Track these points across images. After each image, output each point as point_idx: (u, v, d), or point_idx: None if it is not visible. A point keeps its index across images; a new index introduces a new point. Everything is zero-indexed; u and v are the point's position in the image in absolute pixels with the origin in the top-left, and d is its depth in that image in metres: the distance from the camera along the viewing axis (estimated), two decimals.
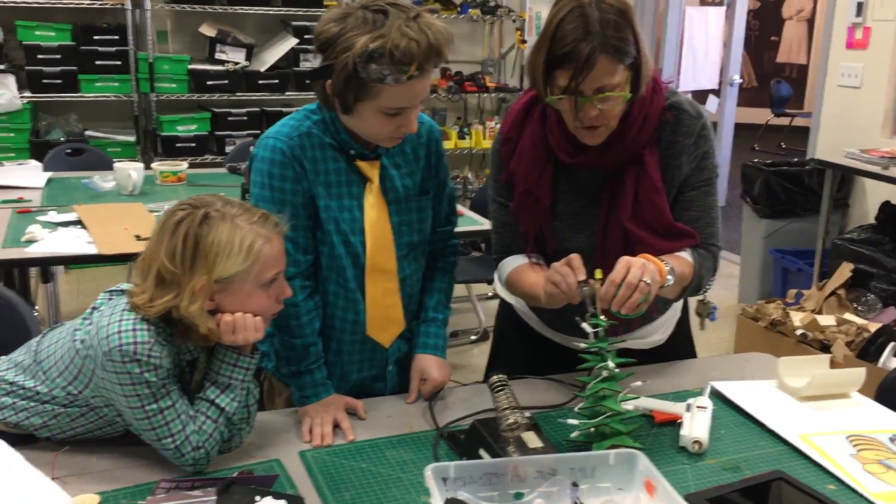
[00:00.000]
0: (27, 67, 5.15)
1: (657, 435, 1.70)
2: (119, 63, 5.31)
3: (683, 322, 2.09)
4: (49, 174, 3.97)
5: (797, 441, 1.67)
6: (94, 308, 1.50)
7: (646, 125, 1.71)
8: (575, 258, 1.59)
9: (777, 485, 1.49)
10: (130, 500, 1.41)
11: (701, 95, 7.18)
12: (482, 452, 1.51)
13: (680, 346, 2.09)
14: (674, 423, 1.72)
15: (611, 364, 1.55)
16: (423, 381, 1.84)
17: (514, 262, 1.88)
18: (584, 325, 1.56)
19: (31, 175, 3.89)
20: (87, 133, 5.37)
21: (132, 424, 1.48)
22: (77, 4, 5.18)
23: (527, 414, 1.58)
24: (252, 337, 1.49)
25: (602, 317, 1.56)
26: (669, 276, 1.62)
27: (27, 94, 5.15)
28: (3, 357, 1.61)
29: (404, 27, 1.54)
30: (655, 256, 1.62)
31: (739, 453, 1.64)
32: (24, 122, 5.14)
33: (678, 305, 2.04)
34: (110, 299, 1.50)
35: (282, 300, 1.54)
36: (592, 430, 1.59)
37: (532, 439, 1.52)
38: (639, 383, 1.63)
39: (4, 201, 3.52)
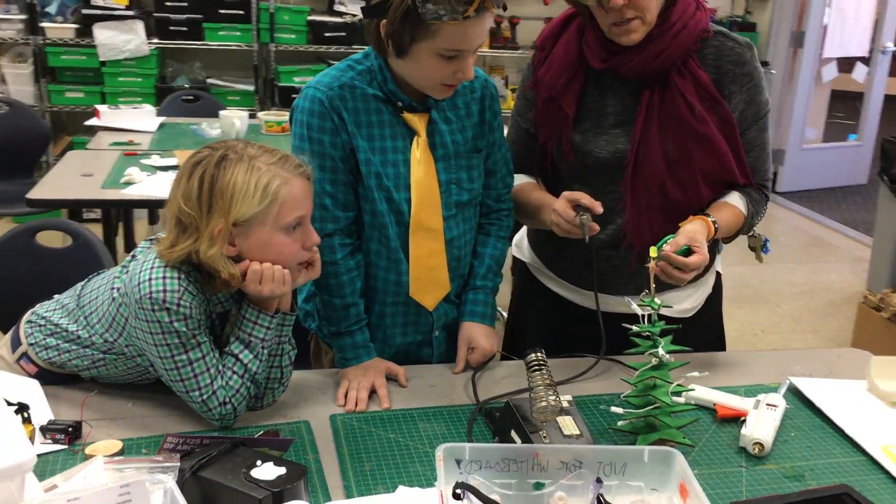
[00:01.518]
0: (155, 14, 5.30)
1: (717, 432, 1.55)
2: (242, 13, 5.39)
3: (716, 299, 1.95)
4: (162, 119, 4.09)
5: (877, 453, 1.49)
6: (133, 256, 1.49)
7: (684, 32, 1.66)
8: (583, 197, 1.61)
9: (841, 501, 1.33)
10: (151, 449, 1.40)
11: (847, 63, 6.64)
12: (513, 434, 1.42)
13: (707, 324, 1.95)
14: (738, 420, 1.56)
15: (661, 351, 1.41)
16: (470, 349, 1.76)
17: (520, 180, 1.86)
18: (635, 307, 1.43)
19: (144, 119, 4.02)
20: (210, 81, 5.51)
21: (162, 375, 1.47)
22: None
23: (567, 397, 1.47)
24: (279, 289, 1.44)
25: (656, 299, 1.43)
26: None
27: (154, 40, 5.31)
28: (56, 296, 1.64)
29: None
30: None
31: (807, 460, 1.48)
32: (151, 68, 5.32)
33: (710, 277, 1.92)
34: (150, 247, 1.49)
35: (310, 247, 1.48)
36: (640, 421, 1.47)
37: (568, 425, 1.41)
38: (695, 374, 1.48)
39: (114, 143, 3.65)
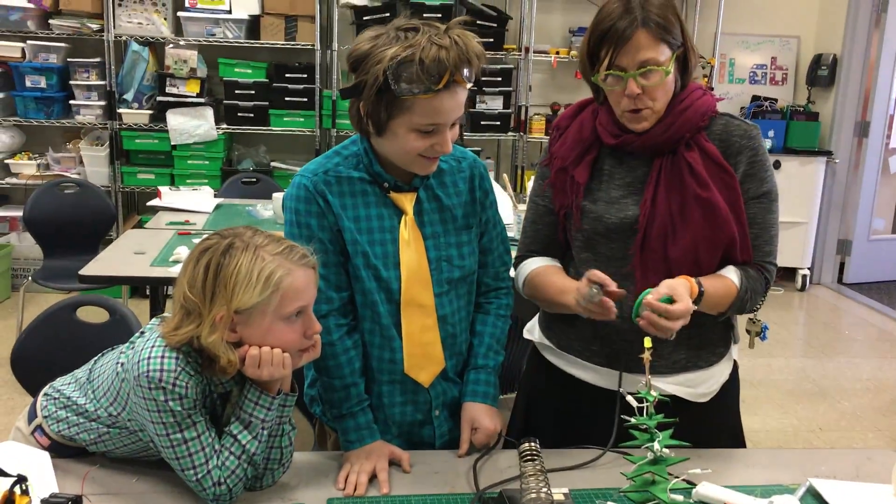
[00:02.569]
0: (225, 101, 5.56)
1: None
2: (306, 100, 5.60)
3: (731, 389, 1.89)
4: (219, 200, 4.24)
5: None
6: (142, 332, 1.54)
7: (691, 110, 1.71)
8: (606, 279, 1.61)
9: None
10: None
11: None
12: None
13: (722, 416, 1.89)
14: None
15: (657, 446, 1.37)
16: (474, 430, 1.74)
17: (537, 262, 1.87)
18: (630, 398, 1.40)
19: (202, 199, 4.18)
20: (273, 164, 5.70)
21: (160, 452, 1.49)
22: (273, 44, 5.55)
23: (563, 490, 1.44)
24: (278, 372, 1.46)
25: (653, 392, 1.39)
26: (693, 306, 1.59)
27: (223, 125, 5.56)
28: (75, 371, 1.69)
29: (435, 37, 1.53)
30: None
31: None
32: (219, 152, 5.55)
33: (726, 364, 1.87)
34: (157, 326, 1.53)
35: (311, 336, 1.50)
36: None
37: None
38: (697, 471, 1.43)
39: (171, 223, 3.79)
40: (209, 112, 5.46)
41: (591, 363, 1.83)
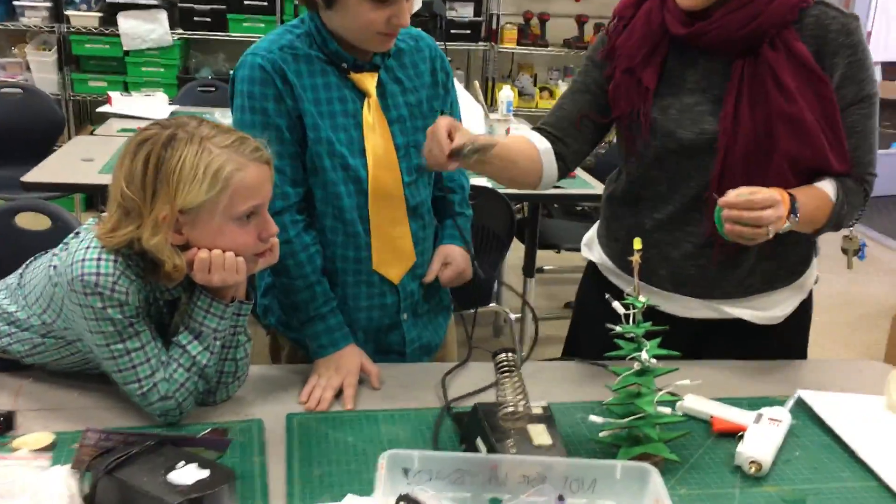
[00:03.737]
0: (179, 4, 5.25)
1: (711, 448, 1.40)
2: (266, 4, 5.31)
3: (808, 305, 1.75)
4: (174, 107, 4.01)
5: (892, 479, 1.32)
6: (76, 233, 1.38)
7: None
8: (443, 122, 1.38)
9: None
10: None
11: (893, 70, 6.37)
12: (479, 442, 1.28)
13: (794, 336, 1.76)
14: (736, 436, 1.41)
15: (645, 355, 1.26)
16: (444, 266, 1.68)
17: (527, 134, 1.66)
18: (616, 305, 1.28)
19: (156, 106, 3.95)
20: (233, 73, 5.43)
21: (101, 364, 1.36)
22: None
23: (542, 403, 1.33)
24: (230, 278, 1.32)
25: (641, 297, 1.28)
26: (788, 223, 1.39)
27: (178, 31, 5.26)
28: (6, 277, 1.54)
29: None
30: (790, 180, 1.47)
31: (810, 483, 1.32)
32: (174, 59, 5.26)
33: (810, 278, 1.72)
34: (93, 226, 1.38)
35: (267, 238, 1.36)
36: (622, 432, 1.32)
37: (539, 434, 1.27)
38: (685, 382, 1.33)
39: (122, 129, 3.58)
40: (163, 15, 5.16)
41: (656, 287, 1.65)
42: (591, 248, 1.83)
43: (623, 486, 1.12)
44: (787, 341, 1.74)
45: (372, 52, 1.54)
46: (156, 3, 5.15)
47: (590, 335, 1.73)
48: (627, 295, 1.29)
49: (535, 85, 5.75)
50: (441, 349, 1.77)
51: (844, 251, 1.78)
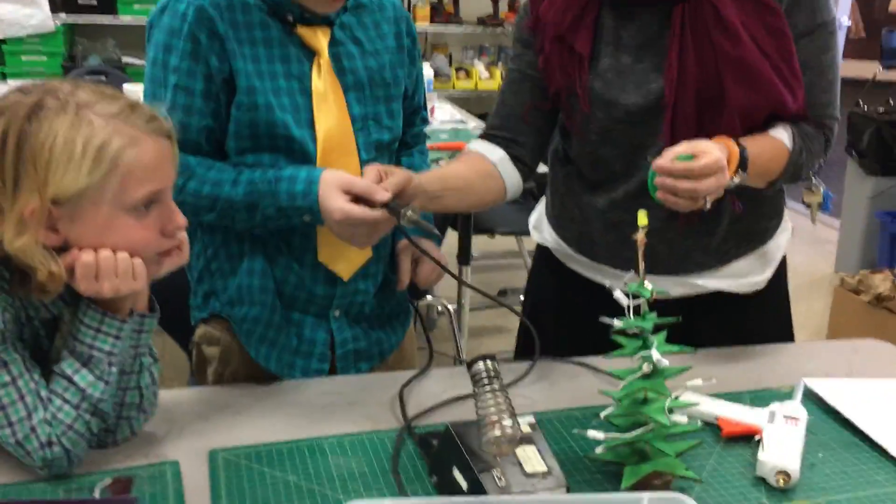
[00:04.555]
0: None
1: (724, 456, 1.18)
2: None
3: (783, 267, 1.58)
4: None
5: None
6: None
7: None
8: (371, 170, 1.23)
9: None
10: None
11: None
12: (455, 473, 1.03)
13: (776, 303, 1.60)
14: (749, 439, 1.20)
15: (656, 354, 1.03)
16: (414, 263, 1.43)
17: (477, 147, 1.47)
18: (618, 294, 1.05)
19: None
20: (126, 60, 4.99)
21: None
22: None
23: (529, 418, 1.09)
24: (125, 286, 1.03)
25: (647, 284, 1.05)
26: (735, 178, 1.23)
27: (61, 15, 4.79)
28: None
29: None
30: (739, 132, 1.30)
31: (845, 492, 1.12)
32: (58, 46, 4.80)
33: (784, 235, 1.55)
34: None
35: (172, 232, 1.07)
36: (625, 448, 1.09)
37: (531, 458, 1.03)
38: (697, 381, 1.11)
39: None
40: None
41: (618, 268, 1.45)
42: (541, 230, 1.61)
43: None
44: (771, 313, 1.58)
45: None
46: None
47: (550, 328, 1.51)
48: (628, 281, 1.06)
49: (450, 65, 5.51)
50: (390, 359, 1.49)
51: (807, 205, 1.61)
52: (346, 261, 1.34)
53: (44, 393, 1.04)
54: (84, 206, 0.99)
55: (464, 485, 1.01)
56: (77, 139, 0.96)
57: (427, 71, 4.00)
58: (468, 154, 1.47)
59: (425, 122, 1.54)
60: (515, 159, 1.45)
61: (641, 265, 1.04)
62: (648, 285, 1.05)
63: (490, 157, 1.44)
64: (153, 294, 1.13)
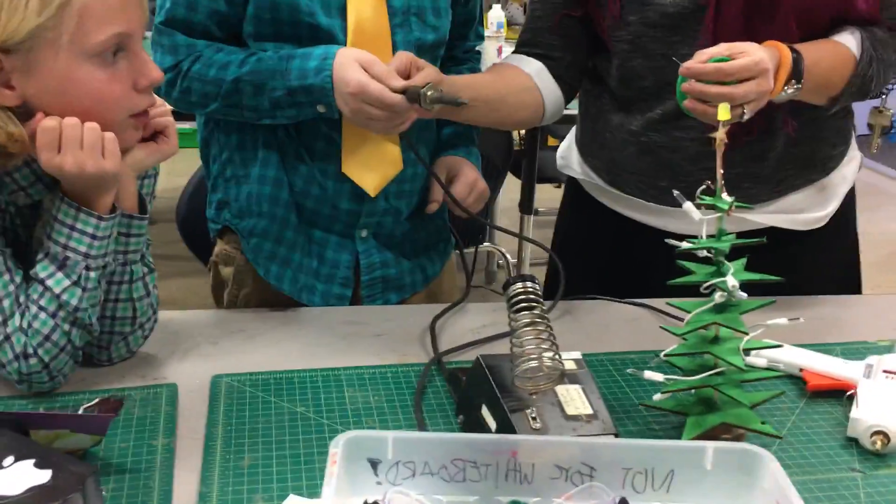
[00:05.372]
0: None
1: (808, 413, 1.00)
2: None
3: (850, 206, 1.37)
4: None
5: None
6: None
7: None
8: (403, 57, 1.08)
9: None
10: None
11: None
12: (484, 412, 0.87)
13: (840, 244, 1.39)
14: (840, 395, 1.01)
15: (731, 281, 0.85)
16: (450, 182, 1.26)
17: (509, 60, 1.30)
18: (687, 205, 0.87)
19: None
20: None
21: None
22: None
23: (574, 354, 0.93)
24: (92, 162, 0.87)
25: (726, 196, 0.87)
26: (787, 89, 1.05)
27: None
28: None
29: None
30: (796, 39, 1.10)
31: None
32: None
33: (852, 164, 1.34)
34: None
35: (145, 87, 0.91)
36: (689, 393, 0.92)
37: (574, 398, 0.87)
38: (782, 321, 0.92)
39: None
40: None
41: (653, 202, 1.29)
42: (569, 160, 1.44)
43: (717, 479, 0.72)
44: (833, 254, 1.37)
45: None
46: None
47: (581, 268, 1.35)
48: (701, 195, 0.88)
49: (525, 15, 5.28)
50: (424, 292, 1.34)
51: (871, 127, 1.38)
52: (373, 173, 1.18)
53: (21, 298, 0.92)
54: (39, 53, 0.84)
55: (492, 425, 0.85)
56: None
57: (499, 13, 3.83)
58: (499, 65, 1.31)
59: (480, 38, 1.36)
60: (554, 76, 1.29)
61: (719, 171, 0.86)
62: (727, 197, 0.86)
63: (525, 67, 1.27)
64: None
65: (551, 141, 3.91)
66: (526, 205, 2.94)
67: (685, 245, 0.88)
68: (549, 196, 3.54)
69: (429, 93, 1.05)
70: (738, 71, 0.99)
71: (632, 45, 1.22)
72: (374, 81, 1.03)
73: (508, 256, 2.85)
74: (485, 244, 2.72)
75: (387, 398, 0.99)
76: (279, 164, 1.18)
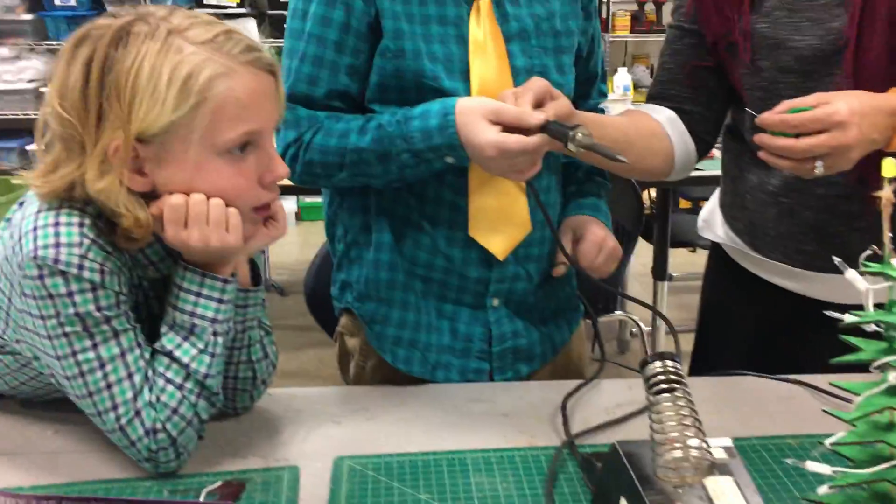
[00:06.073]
0: (269, 11, 5.00)
1: None
2: None
3: None
4: None
5: None
6: (20, 203, 0.97)
7: None
8: (538, 86, 1.02)
9: None
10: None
11: None
12: None
13: None
14: None
15: None
16: (577, 243, 1.19)
17: (640, 107, 1.26)
18: (850, 274, 0.77)
19: None
20: None
21: (65, 389, 0.94)
22: None
23: (724, 441, 0.83)
24: (216, 236, 0.89)
25: (894, 255, 0.77)
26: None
27: (269, 40, 5.00)
28: None
29: None
30: None
31: None
32: None
33: None
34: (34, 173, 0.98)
35: (271, 182, 0.92)
36: (861, 488, 0.80)
37: (725, 492, 0.78)
38: None
39: None
40: (252, 24, 4.91)
41: (805, 269, 1.20)
42: (712, 224, 1.35)
43: None
44: None
45: None
46: (245, 11, 4.93)
47: (727, 341, 1.25)
48: (865, 263, 0.78)
49: (651, 77, 5.20)
50: (553, 363, 1.27)
51: None
52: (501, 236, 1.14)
53: (150, 373, 0.92)
54: (171, 145, 0.87)
55: None
56: (164, 68, 0.84)
57: (625, 77, 3.78)
58: (630, 111, 1.27)
59: (603, 95, 1.31)
60: (686, 127, 1.23)
61: (887, 234, 0.76)
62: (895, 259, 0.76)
63: (656, 115, 1.22)
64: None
65: (683, 203, 3.79)
66: (659, 271, 2.83)
67: (849, 318, 0.78)
68: (683, 260, 3.40)
69: (579, 135, 0.99)
70: (803, 123, 0.95)
71: (766, 94, 1.15)
72: (510, 136, 0.99)
73: (642, 325, 2.73)
74: (616, 313, 2.62)
75: (515, 485, 0.93)
76: (401, 245, 1.15)
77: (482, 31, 1.10)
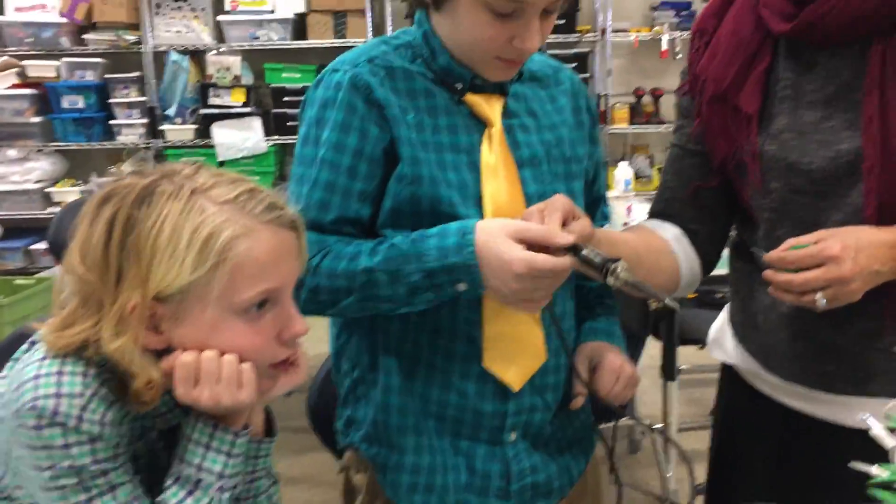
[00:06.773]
0: (273, 110, 5.10)
1: None
2: None
3: None
4: None
5: None
6: (31, 342, 0.96)
7: None
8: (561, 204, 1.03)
9: None
10: None
11: None
12: None
13: None
14: None
15: None
16: (594, 371, 1.18)
17: (645, 224, 1.28)
18: (876, 430, 0.75)
19: None
20: None
21: None
22: (322, 44, 5.05)
23: None
24: (228, 395, 0.88)
25: None
26: None
27: (274, 137, 5.09)
28: None
29: None
30: None
31: None
32: (270, 165, 5.08)
33: None
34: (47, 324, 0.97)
35: (290, 339, 0.92)
36: None
37: None
38: None
39: None
40: (257, 123, 5.01)
41: (824, 390, 1.18)
42: (722, 344, 1.33)
43: None
44: None
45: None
46: (250, 110, 5.02)
47: (745, 468, 1.24)
48: (889, 415, 0.76)
49: (651, 166, 5.26)
50: (571, 494, 1.23)
51: None
52: (515, 366, 1.12)
53: None
54: (189, 304, 0.87)
55: None
56: (184, 229, 0.85)
57: (626, 171, 3.81)
58: (637, 226, 1.27)
59: (606, 217, 1.32)
60: (691, 244, 1.24)
61: None
62: None
63: (662, 233, 1.22)
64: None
65: (688, 294, 3.78)
66: (668, 370, 2.79)
67: (877, 473, 0.75)
68: (691, 352, 3.37)
69: (622, 273, 0.97)
70: (800, 259, 0.99)
71: (777, 215, 1.15)
72: (538, 255, 0.98)
73: (653, 425, 2.69)
74: (623, 419, 2.57)
75: None
76: (411, 384, 1.13)
77: (494, 157, 1.12)
